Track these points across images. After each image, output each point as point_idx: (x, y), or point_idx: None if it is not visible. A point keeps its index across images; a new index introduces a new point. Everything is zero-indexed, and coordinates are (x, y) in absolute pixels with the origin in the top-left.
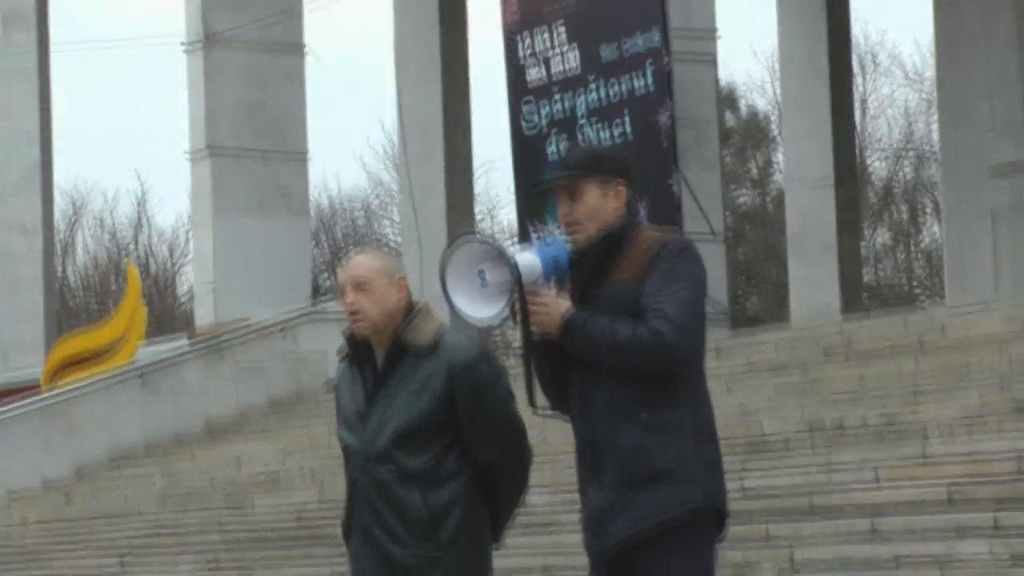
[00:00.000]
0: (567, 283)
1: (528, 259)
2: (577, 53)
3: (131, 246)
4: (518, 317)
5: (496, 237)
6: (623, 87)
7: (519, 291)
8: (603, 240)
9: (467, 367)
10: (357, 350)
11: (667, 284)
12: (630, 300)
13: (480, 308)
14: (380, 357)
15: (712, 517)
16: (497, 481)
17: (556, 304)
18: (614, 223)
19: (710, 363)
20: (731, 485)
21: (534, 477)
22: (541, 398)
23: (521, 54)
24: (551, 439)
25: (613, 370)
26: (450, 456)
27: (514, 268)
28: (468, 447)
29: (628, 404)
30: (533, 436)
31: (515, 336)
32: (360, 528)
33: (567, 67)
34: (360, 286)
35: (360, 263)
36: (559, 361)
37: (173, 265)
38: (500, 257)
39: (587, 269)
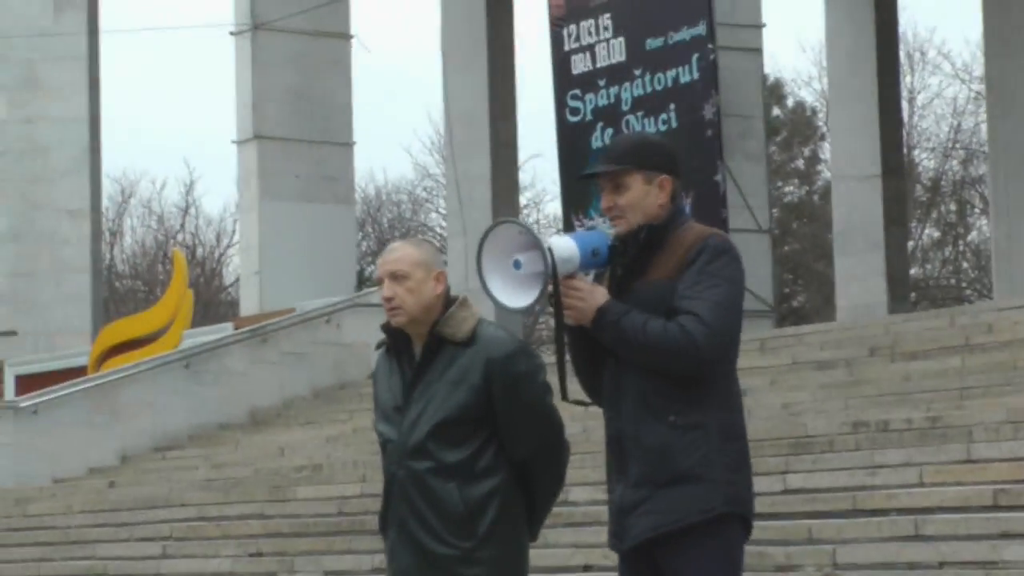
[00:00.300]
0: (605, 274)
1: (566, 246)
2: (623, 44)
3: (179, 233)
4: (552, 304)
5: (541, 228)
6: (668, 79)
7: (553, 278)
8: (645, 233)
9: (505, 360)
10: (395, 342)
11: (702, 284)
12: (666, 298)
13: (514, 294)
14: (418, 350)
15: (737, 519)
16: (534, 476)
17: (592, 294)
18: (657, 215)
19: (754, 360)
20: (773, 484)
21: (576, 473)
22: (574, 390)
23: (567, 45)
24: (594, 436)
25: (643, 366)
26: (487, 450)
27: (548, 254)
28: (505, 441)
29: (657, 401)
30: (576, 431)
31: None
32: (397, 521)
33: (613, 58)
34: (398, 278)
35: (399, 255)
36: (594, 350)
37: (220, 252)
38: (535, 243)
39: (627, 262)
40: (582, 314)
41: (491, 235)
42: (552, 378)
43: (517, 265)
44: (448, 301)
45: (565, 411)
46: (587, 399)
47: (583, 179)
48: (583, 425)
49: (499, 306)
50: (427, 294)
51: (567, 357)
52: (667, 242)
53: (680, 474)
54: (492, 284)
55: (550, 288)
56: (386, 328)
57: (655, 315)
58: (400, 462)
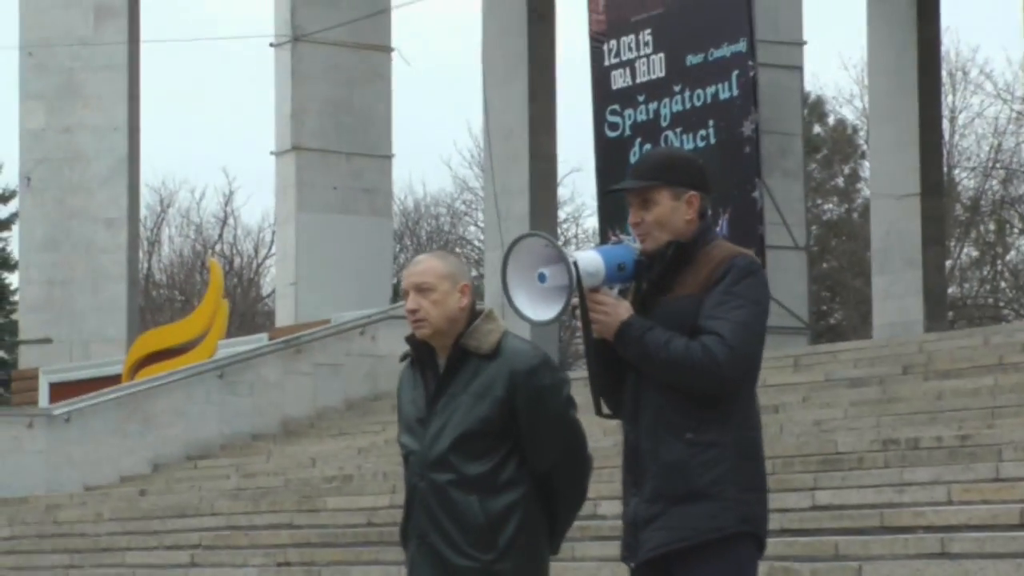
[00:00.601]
0: (631, 289)
1: (592, 260)
2: (663, 60)
3: (217, 244)
4: (577, 316)
5: (580, 242)
6: (708, 95)
7: (579, 292)
8: (673, 249)
9: (529, 374)
10: (420, 355)
11: (728, 305)
12: (690, 316)
13: (539, 307)
14: (442, 362)
15: (750, 538)
16: (556, 489)
17: (616, 308)
18: (685, 232)
19: (788, 376)
20: (802, 500)
21: (605, 487)
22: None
23: (607, 60)
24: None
25: (663, 383)
26: (510, 463)
27: (573, 267)
28: (527, 454)
29: (675, 418)
30: (607, 445)
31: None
32: (417, 533)
33: (653, 74)
34: (423, 290)
35: (424, 267)
36: (616, 363)
37: (258, 263)
38: (560, 256)
39: (653, 277)
40: (606, 328)
41: (516, 248)
42: (584, 391)
43: (542, 278)
44: (473, 314)
45: (597, 425)
46: (610, 410)
47: (611, 194)
48: (615, 439)
49: (523, 318)
50: (452, 306)
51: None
52: (694, 259)
53: (695, 491)
54: (517, 297)
55: (575, 301)
56: (411, 340)
57: (679, 332)
58: (422, 474)
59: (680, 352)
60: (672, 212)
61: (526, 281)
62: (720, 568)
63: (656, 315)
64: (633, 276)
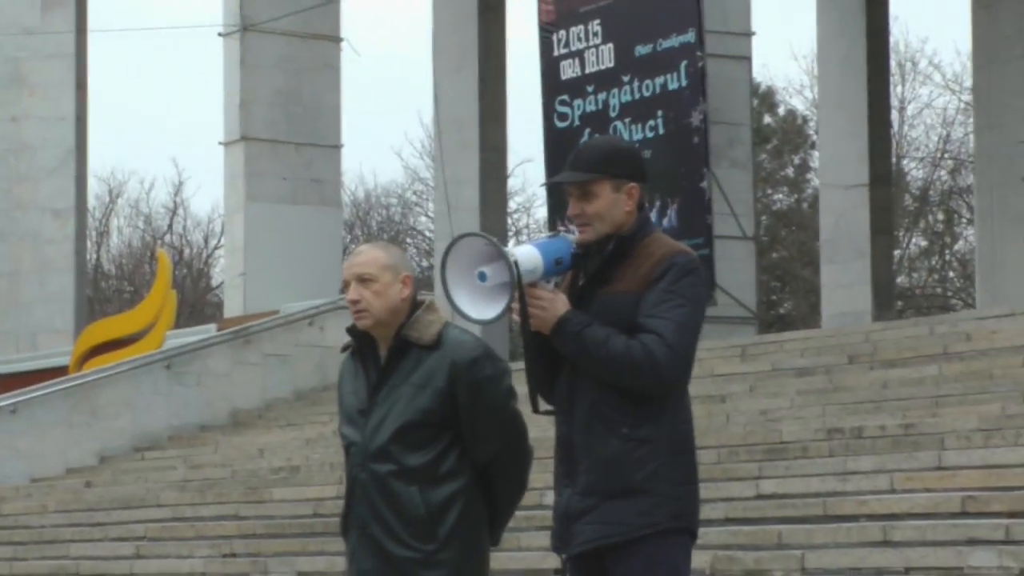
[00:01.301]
0: (565, 281)
1: (531, 256)
2: (612, 50)
3: (166, 234)
4: (517, 315)
5: (531, 233)
6: (657, 85)
7: (519, 289)
8: (611, 243)
9: (470, 364)
10: (361, 345)
11: (668, 303)
12: (628, 312)
13: (481, 306)
14: (383, 353)
15: (683, 532)
16: (496, 480)
17: (553, 303)
18: (624, 223)
19: (735, 366)
20: (746, 489)
21: (549, 477)
22: (544, 403)
23: (556, 50)
24: None
25: (600, 379)
26: (451, 454)
27: (514, 266)
28: (468, 445)
29: (610, 412)
30: (551, 436)
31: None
32: (358, 524)
33: (602, 64)
34: (365, 281)
35: (366, 258)
36: (551, 357)
37: (208, 254)
38: (500, 254)
39: (591, 270)
40: (543, 322)
41: (455, 248)
42: (521, 388)
43: (482, 277)
44: (415, 305)
45: (541, 416)
46: (547, 404)
47: (551, 186)
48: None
49: (465, 318)
50: (394, 297)
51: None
52: (633, 253)
53: (629, 487)
54: (458, 296)
55: (516, 299)
56: (352, 331)
57: (616, 327)
58: (363, 465)
59: (620, 351)
60: (613, 204)
61: (466, 280)
62: (653, 562)
63: (593, 309)
64: (570, 268)
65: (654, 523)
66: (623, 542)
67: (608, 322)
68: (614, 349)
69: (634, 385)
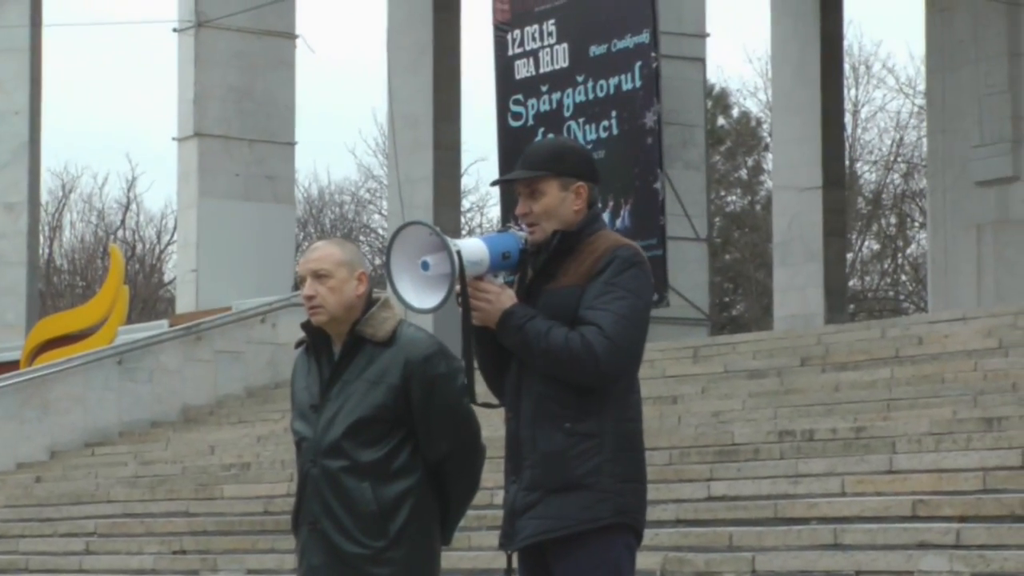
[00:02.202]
0: (516, 280)
1: (476, 248)
2: (567, 50)
3: (119, 230)
4: (460, 303)
5: (484, 232)
6: (611, 86)
7: (460, 280)
8: (557, 239)
9: (423, 361)
10: (315, 341)
11: (608, 296)
12: (572, 306)
13: (422, 295)
14: (337, 349)
15: (626, 529)
16: (448, 478)
17: (499, 297)
18: (573, 222)
19: (687, 367)
20: (697, 491)
21: (500, 476)
22: (482, 393)
23: (511, 49)
24: None
25: (542, 372)
26: (403, 451)
27: (457, 256)
28: (421, 442)
29: (554, 407)
30: (501, 434)
31: None
32: (309, 520)
33: (556, 64)
34: (321, 277)
35: (321, 254)
36: (499, 351)
37: (160, 249)
38: (443, 245)
39: (537, 266)
40: (488, 316)
41: (400, 236)
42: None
43: (425, 266)
44: (370, 302)
45: (493, 414)
46: (494, 402)
47: (501, 184)
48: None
49: (407, 306)
50: (349, 293)
51: (475, 361)
52: (578, 249)
53: (571, 481)
54: (401, 284)
55: (457, 289)
56: (306, 327)
57: (561, 322)
58: (314, 460)
59: (559, 342)
60: (560, 203)
61: (410, 269)
62: (594, 558)
63: (540, 304)
64: (518, 265)
65: (596, 518)
66: (565, 537)
67: (553, 317)
68: (554, 341)
69: (574, 377)
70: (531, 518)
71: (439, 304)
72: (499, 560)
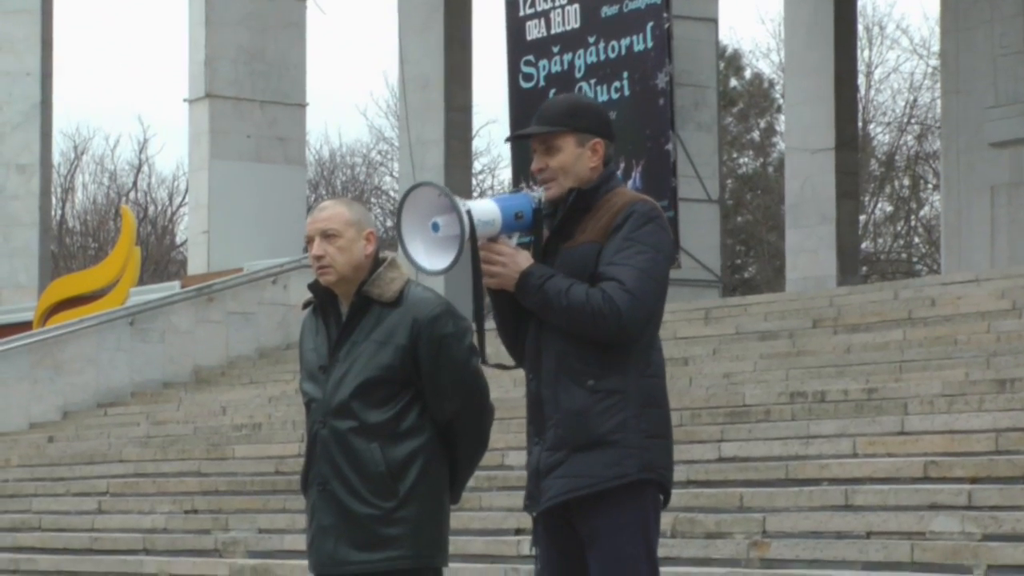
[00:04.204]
0: (531, 239)
1: (487, 209)
2: (578, 11)
3: (131, 191)
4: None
5: (495, 194)
6: (622, 47)
7: (471, 241)
8: (573, 197)
9: (431, 321)
10: (323, 302)
11: (628, 251)
12: (591, 263)
13: (433, 257)
14: (345, 309)
15: (653, 485)
16: (457, 438)
17: (515, 258)
18: (588, 179)
19: (699, 329)
20: (708, 452)
21: (512, 437)
22: (494, 354)
23: (522, 10)
24: None
25: (564, 331)
26: (411, 411)
27: (467, 216)
28: (429, 402)
29: (576, 365)
30: (515, 396)
31: None
32: (318, 480)
33: (567, 25)
34: (329, 236)
35: (330, 213)
36: (517, 312)
37: (172, 211)
38: (453, 206)
39: (554, 225)
40: (506, 278)
41: (410, 197)
42: (495, 342)
43: (435, 227)
44: (377, 262)
45: (505, 376)
46: (508, 363)
47: (516, 140)
48: (523, 390)
49: (417, 268)
50: (357, 253)
51: (486, 321)
52: (595, 206)
53: (596, 439)
54: (412, 246)
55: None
56: (314, 287)
57: (580, 279)
58: (324, 421)
59: (580, 299)
60: (576, 159)
61: (420, 230)
62: (622, 515)
63: (557, 263)
64: (532, 224)
65: (623, 474)
66: (591, 495)
67: (572, 275)
68: (574, 298)
69: (596, 333)
70: (556, 477)
71: (449, 265)
72: (508, 521)
